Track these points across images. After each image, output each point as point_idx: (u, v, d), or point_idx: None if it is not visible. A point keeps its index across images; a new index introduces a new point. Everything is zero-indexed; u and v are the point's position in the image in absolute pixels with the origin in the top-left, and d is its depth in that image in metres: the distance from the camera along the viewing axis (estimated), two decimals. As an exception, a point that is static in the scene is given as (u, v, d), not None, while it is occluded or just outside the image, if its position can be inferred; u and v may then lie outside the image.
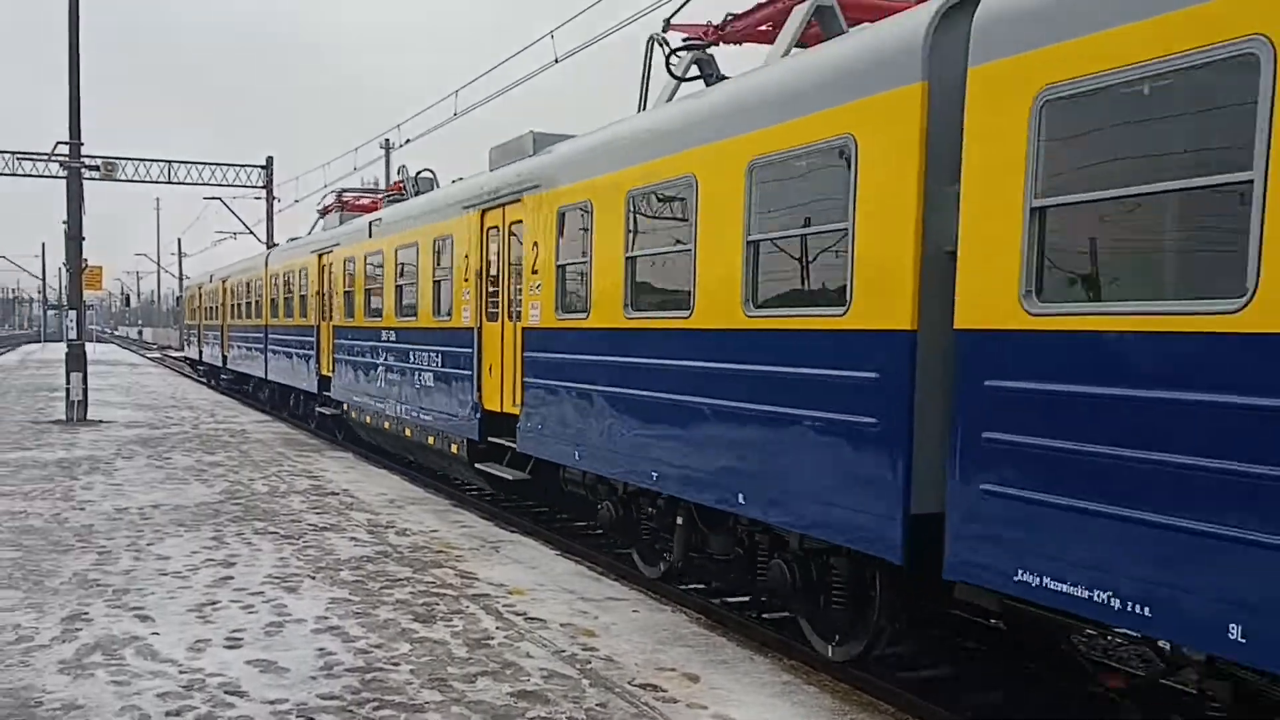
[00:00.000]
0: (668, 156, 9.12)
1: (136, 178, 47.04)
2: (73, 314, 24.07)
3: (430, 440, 15.40)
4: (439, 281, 15.04)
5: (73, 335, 23.77)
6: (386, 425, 17.58)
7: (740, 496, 8.10)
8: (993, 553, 5.86)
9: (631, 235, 9.78)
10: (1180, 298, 4.96)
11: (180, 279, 74.60)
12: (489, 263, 13.49)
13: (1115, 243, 5.43)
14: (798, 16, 8.98)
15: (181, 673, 6.71)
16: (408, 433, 16.51)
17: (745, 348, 7.98)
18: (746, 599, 9.98)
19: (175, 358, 59.21)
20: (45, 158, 35.55)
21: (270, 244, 41.24)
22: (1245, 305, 4.58)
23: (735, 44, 10.23)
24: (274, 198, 47.93)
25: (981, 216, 5.97)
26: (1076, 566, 5.37)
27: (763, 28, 9.76)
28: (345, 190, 25.87)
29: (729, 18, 10.10)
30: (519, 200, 12.34)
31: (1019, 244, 5.69)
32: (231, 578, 9.18)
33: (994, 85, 5.93)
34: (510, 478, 12.55)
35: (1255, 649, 4.51)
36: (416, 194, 18.48)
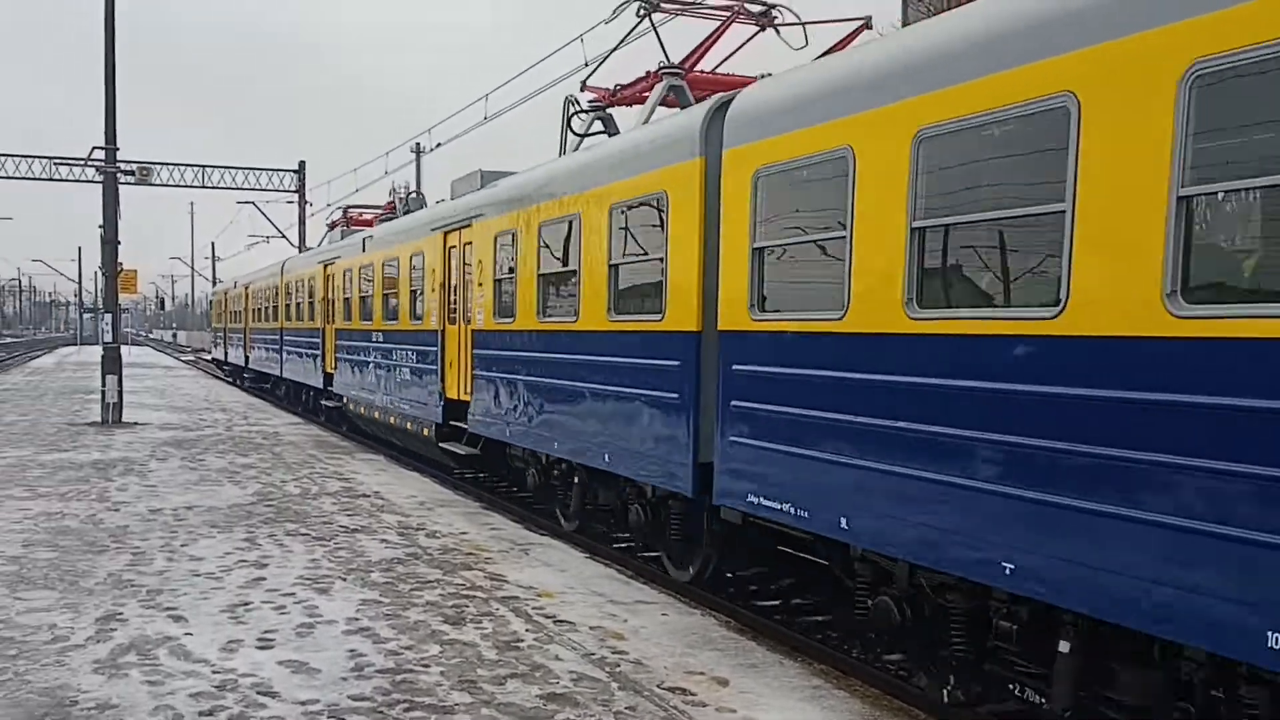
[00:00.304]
0: (564, 198, 11.77)
1: (171, 182, 47.55)
2: (108, 317, 24.34)
3: (409, 426, 17.73)
4: (414, 290, 17.68)
5: (108, 338, 24.04)
6: (376, 415, 19.87)
7: (606, 457, 10.69)
8: (737, 483, 8.50)
9: (541, 257, 12.38)
10: (812, 309, 7.68)
11: (214, 282, 75.29)
12: (450, 275, 15.96)
13: (795, 275, 8.08)
14: (657, 92, 12.01)
15: (214, 673, 6.77)
16: (392, 420, 18.78)
17: (607, 344, 10.66)
18: (776, 603, 9.97)
19: (208, 360, 60.74)
20: (81, 163, 35.99)
21: (302, 247, 41.60)
22: (843, 315, 7.29)
23: (626, 106, 13.00)
24: (306, 202, 48.31)
25: (729, 253, 8.62)
26: (777, 489, 7.98)
27: (643, 95, 12.57)
28: (350, 207, 29.29)
29: (618, 87, 13.03)
30: (469, 225, 14.96)
31: (748, 274, 8.32)
32: (264, 579, 9.25)
33: (735, 163, 8.59)
34: (463, 453, 14.99)
35: (855, 533, 7.17)
36: (405, 213, 21.13)
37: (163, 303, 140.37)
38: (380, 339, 19.69)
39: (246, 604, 8.43)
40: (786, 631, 8.87)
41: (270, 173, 49.83)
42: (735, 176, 8.54)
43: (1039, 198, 5.78)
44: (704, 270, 8.98)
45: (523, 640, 7.60)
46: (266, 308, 34.22)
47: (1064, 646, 5.90)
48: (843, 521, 7.24)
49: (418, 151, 43.23)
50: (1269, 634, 4.59)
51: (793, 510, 7.79)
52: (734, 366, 8.44)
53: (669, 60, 12.24)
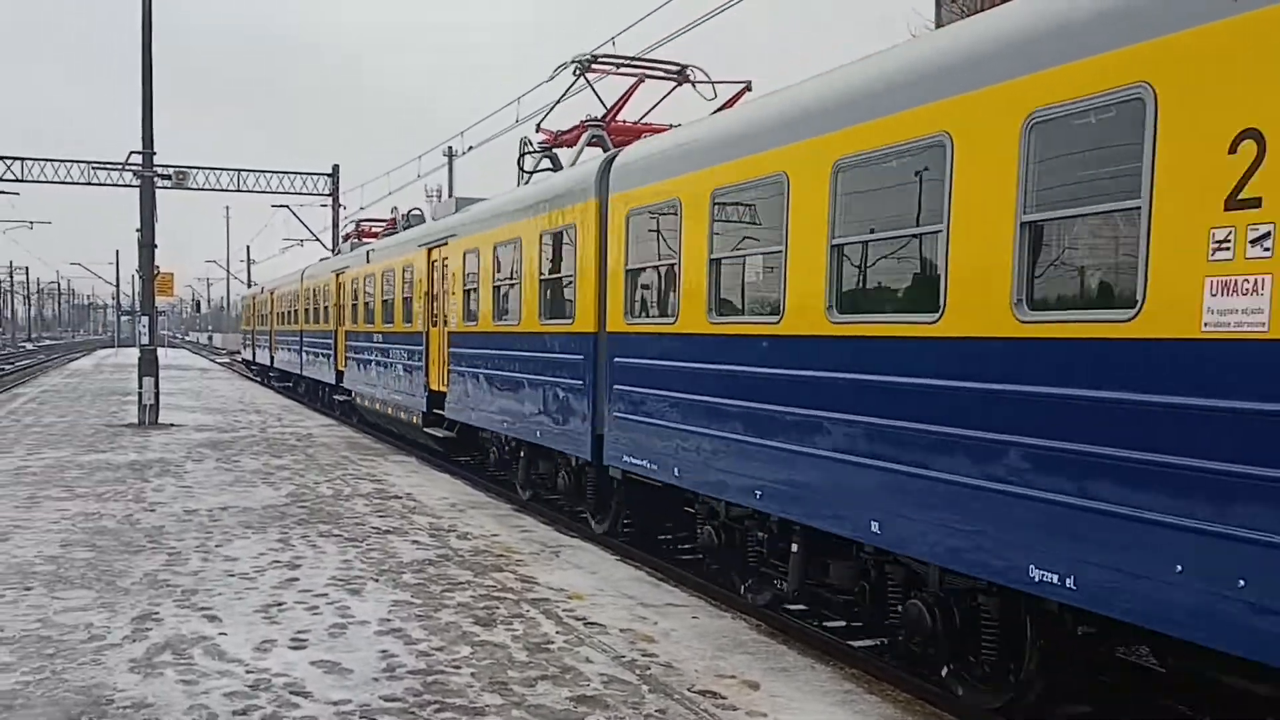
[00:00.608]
0: (510, 224, 14.59)
1: (207, 186, 48.03)
2: (145, 320, 24.61)
3: (402, 415, 20.44)
4: (406, 298, 20.50)
5: (145, 341, 24.30)
6: (378, 406, 22.61)
7: (538, 433, 13.41)
8: (617, 449, 11.21)
9: (495, 271, 15.15)
10: (659, 316, 10.51)
11: (249, 285, 75.98)
12: (432, 285, 18.72)
13: (651, 290, 10.73)
14: (582, 140, 14.52)
15: (248, 672, 6.83)
16: (390, 411, 21.50)
17: (537, 343, 13.36)
18: (806, 607, 9.93)
19: (240, 361, 62.03)
20: (119, 167, 36.43)
21: (335, 251, 42.12)
22: (675, 321, 10.01)
23: (567, 147, 15.24)
24: (339, 205, 48.65)
25: (612, 276, 11.34)
26: (642, 452, 10.65)
27: (575, 140, 14.98)
28: (363, 220, 32.68)
29: (559, 133, 15.56)
30: (445, 243, 17.75)
31: (624, 290, 11.03)
32: (297, 579, 9.32)
33: (616, 205, 11.28)
34: (441, 435, 17.82)
35: (682, 478, 9.84)
36: (405, 229, 23.93)
37: (199, 305, 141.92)
38: (380, 339, 22.59)
39: (280, 604, 8.49)
40: (818, 634, 8.83)
41: (305, 176, 50.21)
42: (616, 215, 11.30)
43: (913, 222, 6.97)
44: (599, 285, 11.65)
45: (553, 642, 7.62)
46: (289, 311, 37.33)
47: (794, 548, 8.70)
48: (675, 470, 10.02)
49: (450, 155, 43.46)
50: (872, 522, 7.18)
51: (647, 465, 10.57)
52: (615, 359, 11.24)
53: (605, 108, 14.98)
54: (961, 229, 6.43)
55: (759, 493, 8.61)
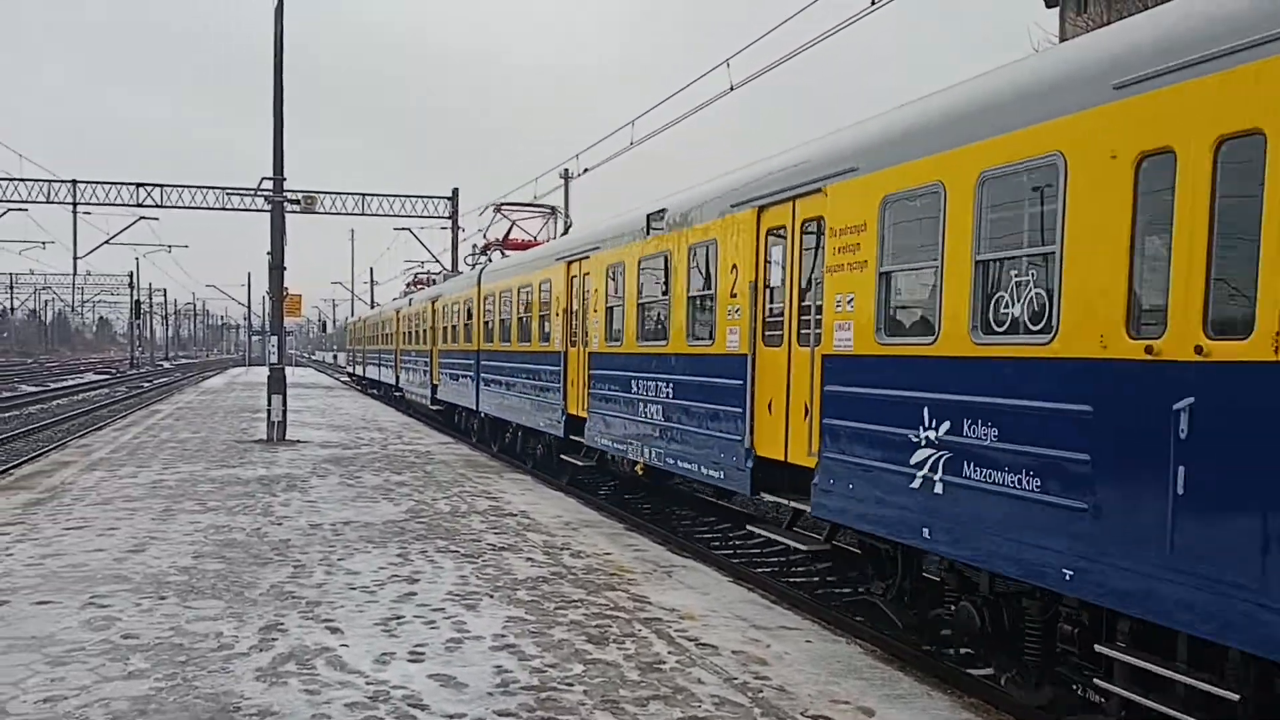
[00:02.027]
0: (461, 293, 27.70)
1: (333, 210, 49.59)
2: (274, 339, 25.48)
3: (464, 413, 29.31)
4: (449, 327, 30.16)
5: (274, 359, 25.15)
6: (458, 408, 29.85)
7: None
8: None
9: (499, 311, 23.63)
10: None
11: (371, 306, 78.02)
12: (469, 319, 27.16)
13: (507, 325, 22.76)
14: (485, 257, 27.44)
15: (368, 684, 6.99)
16: (460, 409, 29.53)
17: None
18: (926, 634, 9.72)
19: (347, 375, 76.22)
20: (251, 192, 37.87)
21: (455, 271, 43.24)
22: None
23: (518, 249, 26.10)
24: (459, 228, 49.67)
25: (476, 320, 25.42)
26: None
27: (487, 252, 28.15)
28: (419, 273, 46.95)
29: (484, 245, 27.86)
30: (477, 286, 26.20)
31: (480, 329, 25.19)
32: (415, 594, 9.51)
33: (483, 288, 24.96)
34: (434, 409, 31.00)
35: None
36: (445, 280, 37.04)
37: (324, 325, 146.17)
38: (447, 359, 30.57)
39: (399, 618, 8.68)
40: (935, 662, 8.65)
41: (425, 200, 51.45)
42: (485, 293, 24.59)
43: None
44: (481, 326, 24.25)
45: (665, 662, 7.61)
46: (380, 335, 48.30)
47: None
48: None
49: (566, 177, 43.98)
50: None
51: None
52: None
53: (502, 239, 27.90)
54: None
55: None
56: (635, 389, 14.45)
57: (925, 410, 8.02)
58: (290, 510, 14.10)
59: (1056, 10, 50.63)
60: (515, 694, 6.83)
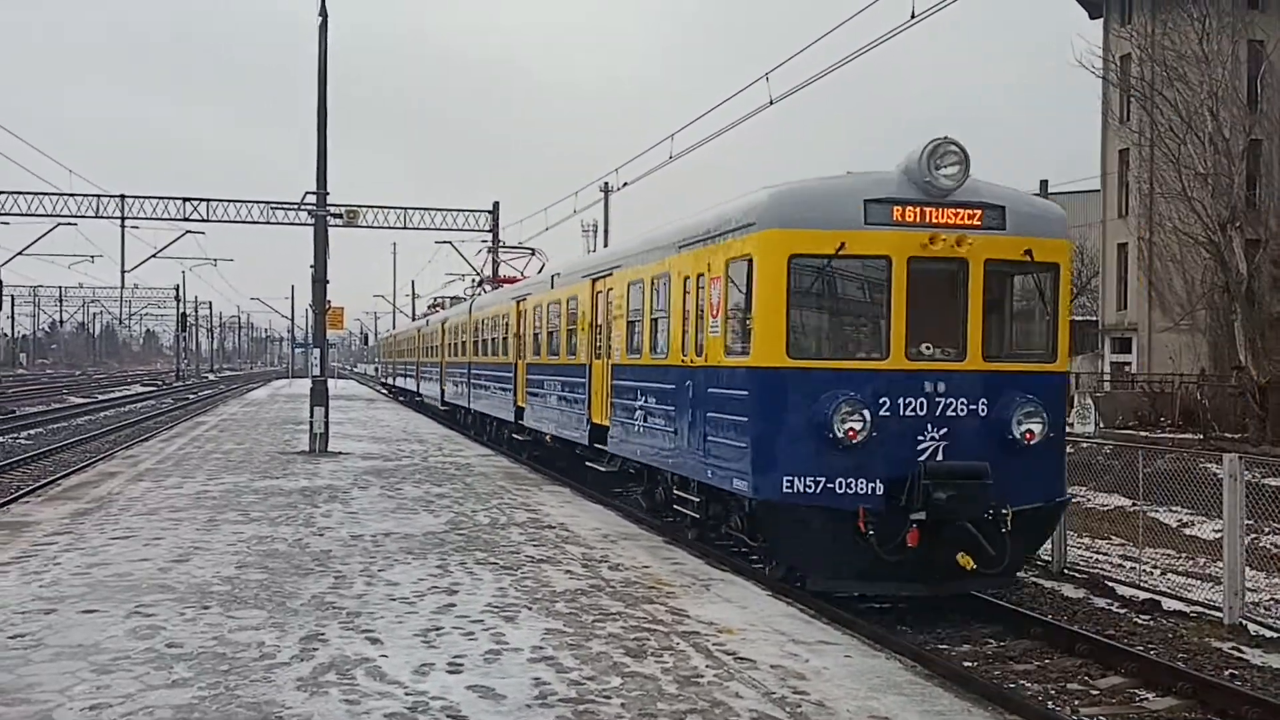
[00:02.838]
0: (458, 320, 36.04)
1: (375, 224, 50.07)
2: (317, 352, 25.75)
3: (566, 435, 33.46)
4: (448, 345, 38.66)
5: (316, 372, 25.40)
6: (462, 409, 35.91)
7: (493, 410, 29.85)
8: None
9: (471, 338, 33.61)
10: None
11: (413, 319, 78.63)
12: (468, 338, 34.40)
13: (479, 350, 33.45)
14: (482, 290, 35.01)
15: (407, 694, 7.03)
16: (474, 411, 33.62)
17: (490, 369, 29.37)
18: (965, 649, 9.64)
19: (377, 384, 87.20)
20: (295, 207, 38.39)
21: (494, 285, 43.95)
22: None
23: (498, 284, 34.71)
24: (499, 241, 49.97)
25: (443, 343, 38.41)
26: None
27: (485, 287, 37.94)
28: (435, 301, 58.03)
29: (481, 279, 39.53)
30: (469, 313, 33.53)
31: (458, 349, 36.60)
32: (454, 605, 9.56)
33: (445, 327, 39.30)
34: (443, 408, 40.19)
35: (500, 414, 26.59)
36: (449, 306, 45.26)
37: (366, 338, 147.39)
38: (461, 367, 35.88)
39: (438, 629, 8.72)
40: (977, 679, 8.57)
41: (466, 213, 51.81)
42: (436, 330, 41.04)
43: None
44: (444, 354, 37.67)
45: (703, 676, 7.60)
46: (407, 349, 56.71)
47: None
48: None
49: (606, 190, 44.14)
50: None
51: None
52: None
53: (495, 274, 37.83)
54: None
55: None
56: (545, 388, 23.24)
57: (638, 391, 15.79)
58: (331, 521, 14.22)
59: (1100, 21, 50.17)
60: (553, 706, 6.85)
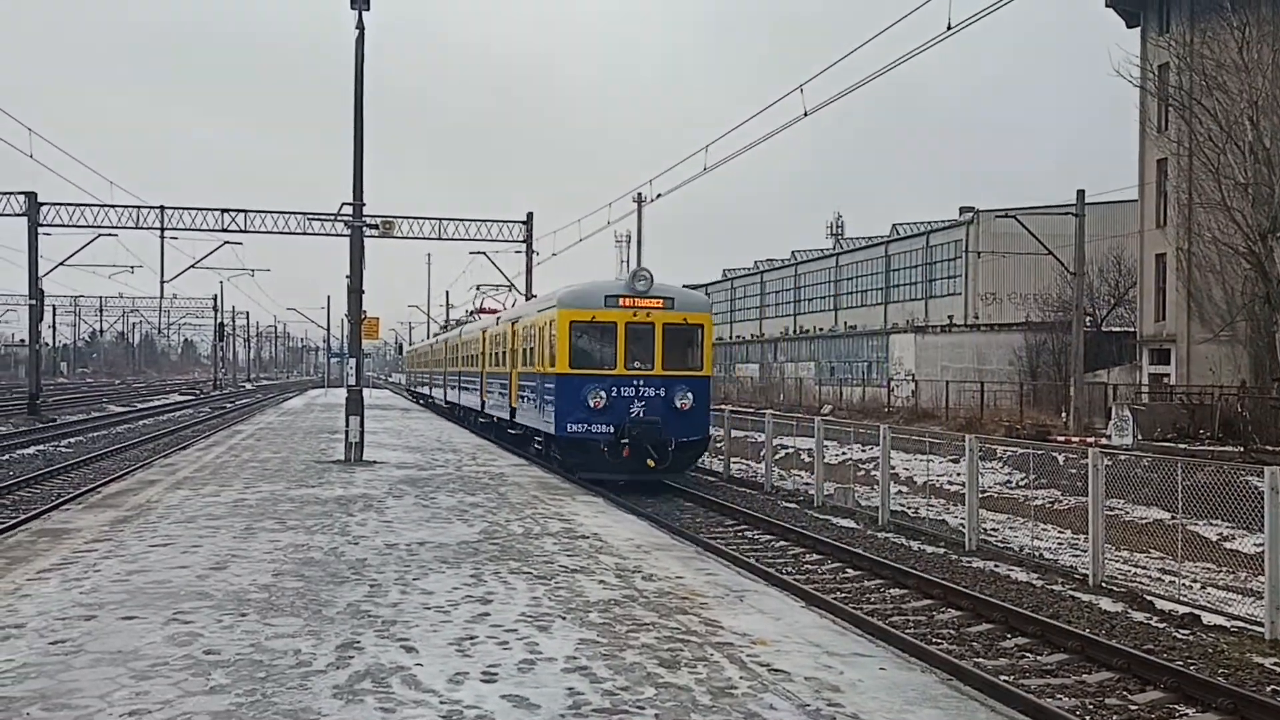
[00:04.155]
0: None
1: (410, 234, 50.37)
2: (353, 362, 25.93)
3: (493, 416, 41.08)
4: (448, 359, 52.94)
5: (352, 381, 25.58)
6: (458, 408, 47.18)
7: (480, 404, 40.81)
8: (489, 406, 37.44)
9: (452, 353, 50.35)
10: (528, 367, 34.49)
11: (445, 328, 79.09)
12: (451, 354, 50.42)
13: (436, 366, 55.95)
14: (472, 319, 49.27)
15: (442, 703, 7.06)
16: (465, 409, 45.14)
17: (489, 378, 37.90)
18: (1001, 662, 9.57)
19: (399, 390, 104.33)
20: (331, 218, 38.69)
21: (529, 295, 44.02)
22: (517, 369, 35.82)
23: (485, 312, 48.14)
24: (533, 252, 50.14)
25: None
26: (495, 407, 35.71)
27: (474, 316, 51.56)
28: (449, 322, 70.39)
29: (476, 309, 53.64)
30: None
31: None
32: (488, 614, 9.59)
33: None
34: (426, 402, 63.06)
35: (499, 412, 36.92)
36: (452, 328, 58.87)
37: (401, 348, 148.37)
38: (456, 376, 48.22)
39: (472, 638, 8.75)
40: (1014, 692, 8.49)
41: (500, 224, 52.04)
42: (449, 343, 52.93)
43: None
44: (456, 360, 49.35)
45: (736, 687, 7.58)
46: (430, 359, 65.76)
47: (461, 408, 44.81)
48: (510, 413, 32.45)
49: (639, 201, 44.19)
50: (501, 414, 34.75)
51: (506, 415, 33.18)
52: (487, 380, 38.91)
53: (479, 307, 50.82)
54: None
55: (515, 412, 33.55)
56: (494, 388, 35.72)
57: (526, 388, 28.74)
58: (367, 530, 14.30)
59: (1138, 30, 49.71)
60: (587, 716, 6.85)
